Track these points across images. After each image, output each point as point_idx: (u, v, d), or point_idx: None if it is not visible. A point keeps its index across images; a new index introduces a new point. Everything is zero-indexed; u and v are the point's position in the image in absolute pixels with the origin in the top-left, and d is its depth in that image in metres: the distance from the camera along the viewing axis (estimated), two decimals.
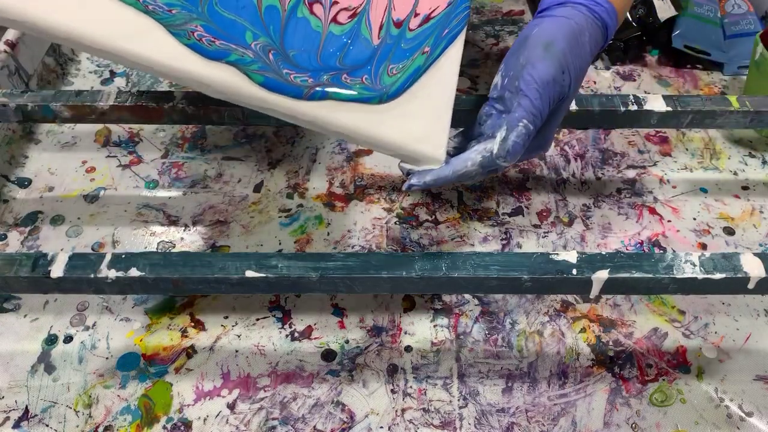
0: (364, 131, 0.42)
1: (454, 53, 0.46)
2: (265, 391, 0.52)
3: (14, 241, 0.61)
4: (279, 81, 0.41)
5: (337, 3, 0.45)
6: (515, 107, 0.43)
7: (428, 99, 0.44)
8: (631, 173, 0.68)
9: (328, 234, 0.62)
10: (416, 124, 0.43)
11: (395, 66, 0.44)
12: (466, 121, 0.48)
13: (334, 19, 0.44)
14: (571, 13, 0.45)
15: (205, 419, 0.50)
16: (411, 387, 0.52)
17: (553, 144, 0.71)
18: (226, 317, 0.56)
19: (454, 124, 0.46)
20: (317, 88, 0.41)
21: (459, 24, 0.47)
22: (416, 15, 0.46)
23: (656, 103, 0.57)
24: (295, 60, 0.42)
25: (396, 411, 0.51)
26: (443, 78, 0.45)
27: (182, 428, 0.50)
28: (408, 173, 0.45)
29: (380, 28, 0.45)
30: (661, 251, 0.62)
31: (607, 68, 0.81)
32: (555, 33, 0.44)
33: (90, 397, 0.51)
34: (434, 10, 0.46)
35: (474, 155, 0.43)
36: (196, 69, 0.40)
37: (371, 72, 0.43)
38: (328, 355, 0.54)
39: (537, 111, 0.42)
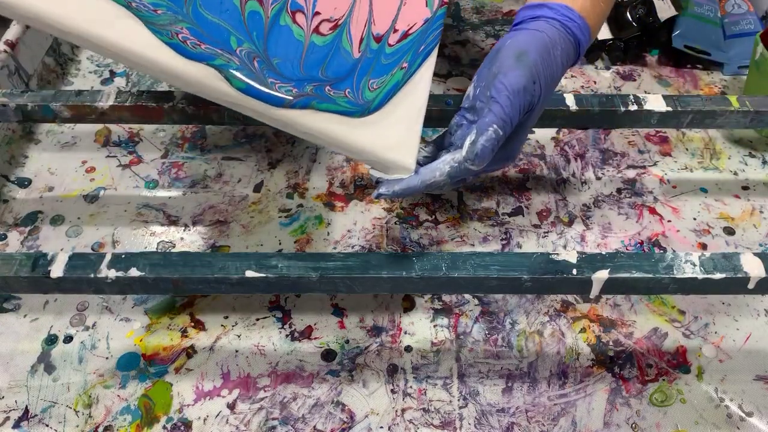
0: (339, 137, 0.43)
1: (427, 67, 0.48)
2: (265, 391, 0.52)
3: (14, 241, 0.61)
4: (261, 90, 0.41)
5: (319, 14, 0.45)
6: (486, 113, 0.43)
7: (402, 111, 0.46)
8: (631, 173, 0.68)
9: (328, 234, 0.62)
10: (389, 134, 0.44)
11: (375, 81, 0.45)
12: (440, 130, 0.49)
13: (316, 30, 0.45)
14: (544, 27, 0.47)
15: (205, 419, 0.50)
16: (411, 387, 0.52)
17: (553, 145, 0.71)
18: (226, 317, 0.56)
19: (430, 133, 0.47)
20: (301, 98, 0.42)
21: (434, 40, 0.48)
22: (395, 31, 0.47)
23: (656, 103, 0.57)
24: (279, 68, 0.42)
25: (396, 411, 0.51)
26: (416, 91, 0.47)
27: (182, 428, 0.50)
28: (377, 181, 0.45)
29: (360, 41, 0.46)
30: (661, 251, 0.62)
31: (607, 68, 0.81)
32: (528, 44, 0.45)
33: (90, 397, 0.51)
34: (412, 27, 0.48)
35: (442, 165, 0.44)
36: (171, 62, 0.40)
37: (353, 86, 0.44)
38: (328, 355, 0.54)
39: (507, 117, 0.43)
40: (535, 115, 0.47)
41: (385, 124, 0.44)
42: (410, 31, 0.48)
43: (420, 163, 0.46)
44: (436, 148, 0.48)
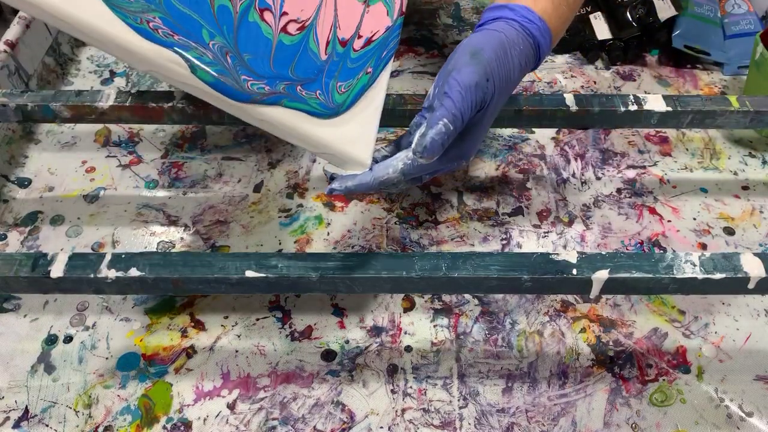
0: (300, 131, 0.44)
1: (386, 70, 0.50)
2: (265, 391, 0.52)
3: (14, 241, 0.61)
4: (231, 87, 0.41)
5: (286, 14, 0.46)
6: (437, 107, 0.43)
7: (362, 110, 0.47)
8: (631, 173, 0.68)
9: (328, 234, 0.62)
10: (347, 130, 0.45)
11: (343, 84, 0.46)
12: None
13: (284, 29, 0.46)
14: (503, 27, 0.47)
15: (205, 419, 0.50)
16: (411, 387, 0.52)
17: (554, 146, 0.71)
18: (226, 317, 0.57)
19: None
20: (272, 95, 0.42)
21: (394, 46, 0.51)
22: (359, 37, 0.49)
23: (656, 103, 0.57)
24: (250, 65, 0.43)
25: (396, 411, 0.51)
26: (375, 92, 0.48)
27: (182, 428, 0.50)
28: (332, 177, 0.46)
29: (327, 44, 0.47)
30: (661, 251, 0.62)
31: (607, 68, 0.81)
32: (483, 43, 0.46)
33: (90, 397, 0.51)
34: (375, 34, 0.50)
35: (396, 162, 0.44)
36: (131, 39, 0.40)
37: (323, 88, 0.45)
38: (328, 355, 0.54)
39: (458, 112, 0.43)
40: (490, 113, 0.47)
41: (343, 121, 0.46)
42: (373, 38, 0.49)
43: (378, 161, 0.47)
44: (396, 147, 0.48)
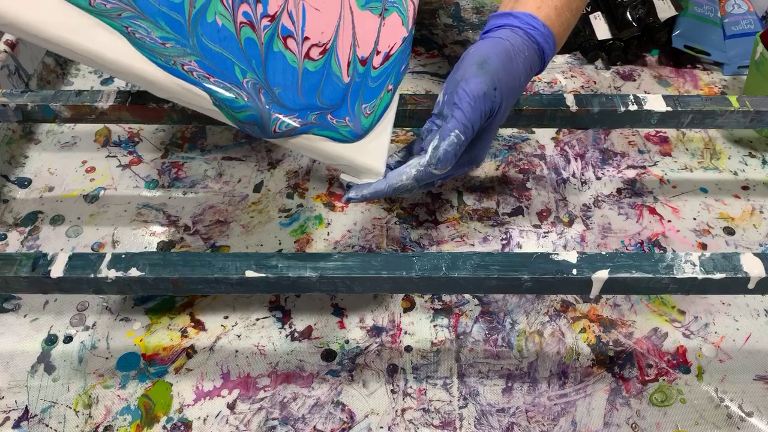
0: (320, 150, 0.45)
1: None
2: (265, 391, 0.52)
3: (14, 241, 0.61)
4: (258, 130, 0.42)
5: (308, 38, 0.47)
6: (449, 119, 0.45)
7: (379, 124, 0.48)
8: (631, 173, 0.68)
9: (328, 234, 0.62)
10: (363, 142, 0.46)
11: (367, 105, 0.47)
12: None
13: (307, 55, 0.46)
14: (508, 35, 0.48)
15: (205, 419, 0.50)
16: (411, 387, 0.52)
17: (554, 146, 0.71)
18: (226, 317, 0.56)
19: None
20: (304, 126, 0.43)
21: (407, 56, 0.52)
22: (378, 53, 0.50)
23: (656, 103, 0.57)
24: (281, 99, 0.43)
25: (396, 411, 0.51)
26: (392, 104, 0.50)
27: (182, 428, 0.50)
28: (348, 186, 0.47)
29: (348, 65, 0.48)
30: (661, 251, 0.62)
31: (607, 68, 0.81)
32: (489, 52, 0.47)
33: (90, 397, 0.51)
34: (392, 48, 0.50)
35: (409, 169, 0.45)
36: (158, 76, 0.40)
37: (351, 113, 0.46)
38: (328, 355, 0.54)
39: (469, 123, 0.44)
40: (498, 120, 0.48)
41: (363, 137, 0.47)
42: (391, 52, 0.50)
43: (391, 167, 0.48)
44: (408, 153, 0.50)
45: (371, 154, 0.46)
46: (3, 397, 0.51)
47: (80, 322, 0.56)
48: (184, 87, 0.41)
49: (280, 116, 0.42)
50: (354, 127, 0.45)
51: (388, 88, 0.49)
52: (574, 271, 0.44)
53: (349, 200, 0.47)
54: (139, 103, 0.55)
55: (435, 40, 0.85)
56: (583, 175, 0.68)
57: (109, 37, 0.40)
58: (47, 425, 0.50)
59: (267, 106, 0.42)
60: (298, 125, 0.43)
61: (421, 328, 0.56)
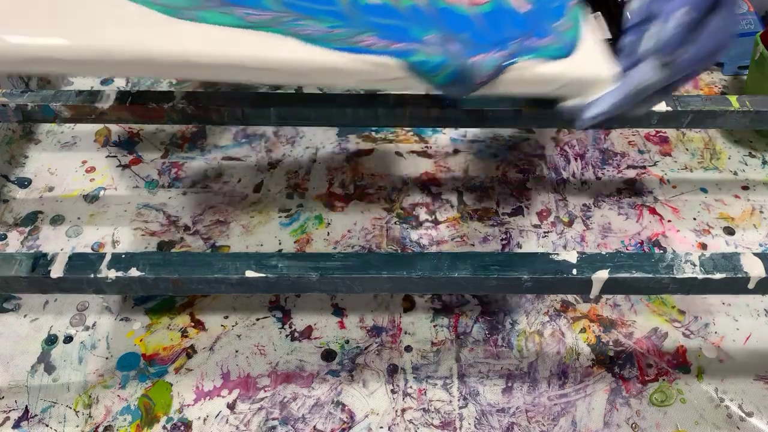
0: (529, 71, 0.41)
1: None
2: (265, 391, 0.52)
3: (14, 241, 0.61)
4: (459, 73, 0.39)
5: None
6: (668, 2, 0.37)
7: (586, 28, 0.44)
8: (631, 173, 0.68)
9: (328, 234, 0.62)
10: (575, 54, 0.42)
11: (560, 22, 0.43)
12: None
13: (473, 2, 0.43)
14: None
15: (205, 419, 0.50)
16: (411, 387, 0.52)
17: (554, 146, 0.71)
18: (226, 317, 0.56)
19: None
20: (511, 55, 0.40)
21: None
22: None
23: None
24: (469, 44, 0.40)
25: (396, 411, 0.51)
26: (587, 9, 0.45)
27: (182, 428, 0.50)
28: (573, 115, 0.42)
29: None
30: (661, 251, 0.62)
31: None
32: None
33: (90, 397, 0.51)
34: None
35: (644, 67, 0.39)
36: (335, 58, 0.39)
37: (549, 33, 0.42)
38: (328, 355, 0.54)
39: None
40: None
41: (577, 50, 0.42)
42: None
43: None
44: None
45: (594, 63, 0.41)
46: (3, 397, 0.51)
47: (80, 322, 0.56)
48: (373, 62, 0.39)
49: (480, 56, 0.39)
50: (561, 43, 0.41)
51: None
52: (574, 271, 0.44)
53: (589, 121, 0.40)
54: (139, 103, 0.55)
55: None
56: (583, 175, 0.68)
57: (281, 41, 0.38)
58: (47, 425, 0.50)
59: (462, 55, 0.39)
60: (504, 57, 0.39)
61: (421, 328, 0.56)
